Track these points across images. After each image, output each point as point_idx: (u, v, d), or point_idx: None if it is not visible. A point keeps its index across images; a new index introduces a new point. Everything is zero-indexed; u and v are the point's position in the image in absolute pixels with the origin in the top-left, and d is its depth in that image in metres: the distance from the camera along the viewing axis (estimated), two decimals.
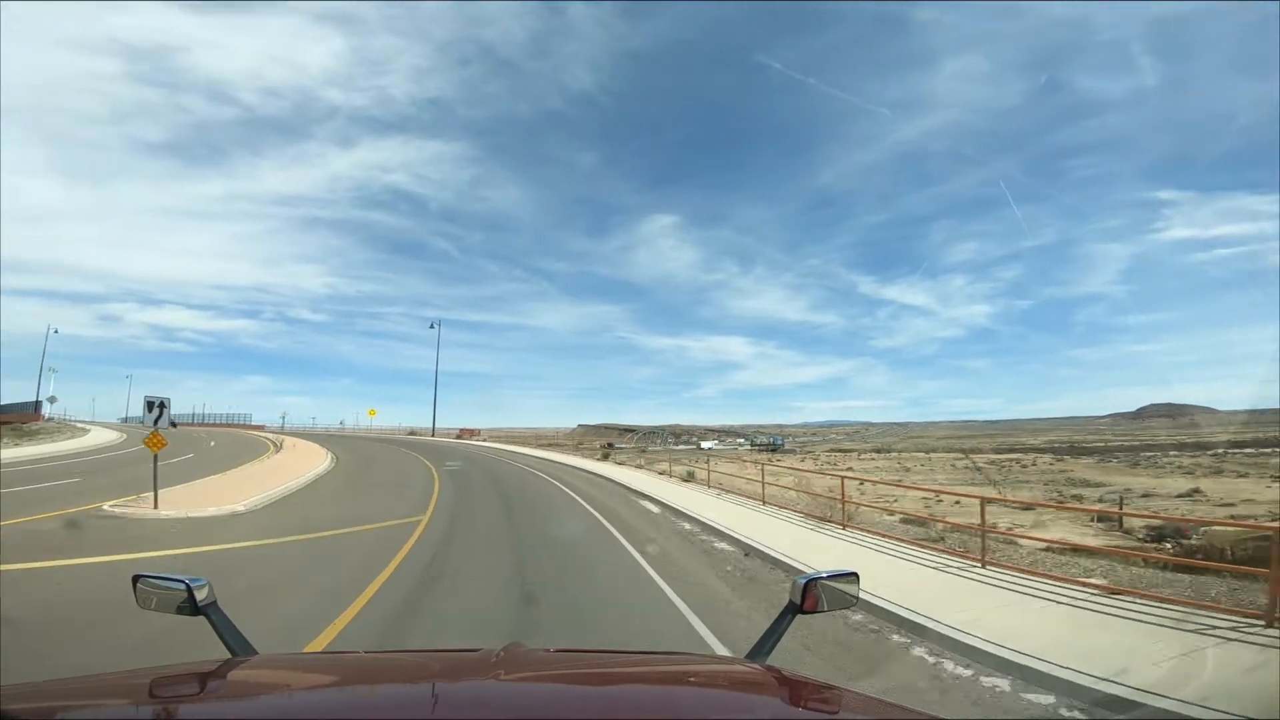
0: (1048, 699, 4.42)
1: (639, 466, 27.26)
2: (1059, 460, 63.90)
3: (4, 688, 1.07)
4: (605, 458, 35.15)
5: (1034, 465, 59.04)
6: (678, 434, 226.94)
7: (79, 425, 51.91)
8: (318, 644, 5.11)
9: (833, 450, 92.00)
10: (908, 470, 55.13)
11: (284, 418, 66.76)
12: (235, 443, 34.99)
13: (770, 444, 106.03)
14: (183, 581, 1.64)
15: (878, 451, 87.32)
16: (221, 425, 72.16)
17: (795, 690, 1.39)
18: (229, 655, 1.58)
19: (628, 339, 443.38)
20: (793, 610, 1.74)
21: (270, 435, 47.42)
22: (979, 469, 53.43)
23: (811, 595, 1.73)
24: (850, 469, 49.39)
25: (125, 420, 75.82)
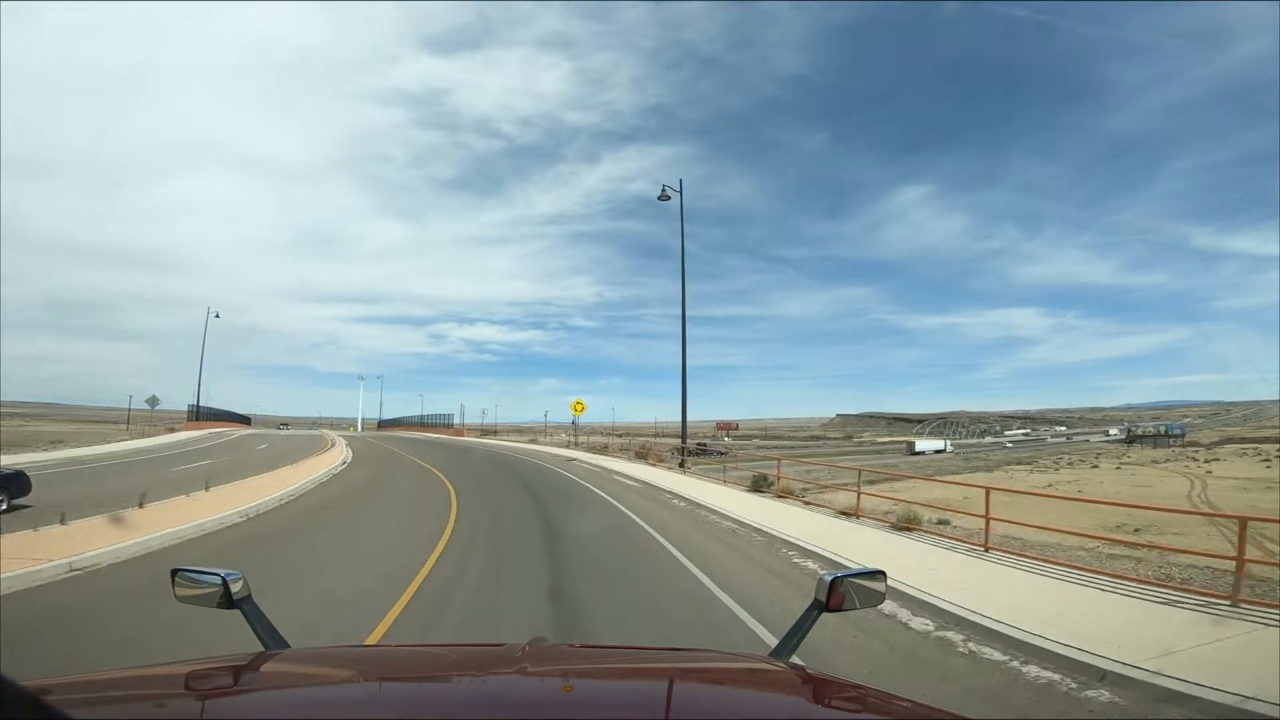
0: None
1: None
2: None
3: (41, 683, 1.07)
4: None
5: None
6: (977, 423, 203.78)
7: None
8: None
9: (1241, 443, 68.94)
10: None
11: (483, 415, 64.41)
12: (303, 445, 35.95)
13: (1164, 433, 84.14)
14: (219, 574, 1.66)
15: None
16: (418, 427, 76.73)
17: (819, 688, 1.39)
18: (262, 648, 1.60)
19: (885, 320, 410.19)
20: (819, 608, 1.72)
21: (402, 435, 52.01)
22: None
23: (838, 593, 1.71)
24: None
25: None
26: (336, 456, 25.58)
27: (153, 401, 40.84)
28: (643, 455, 27.81)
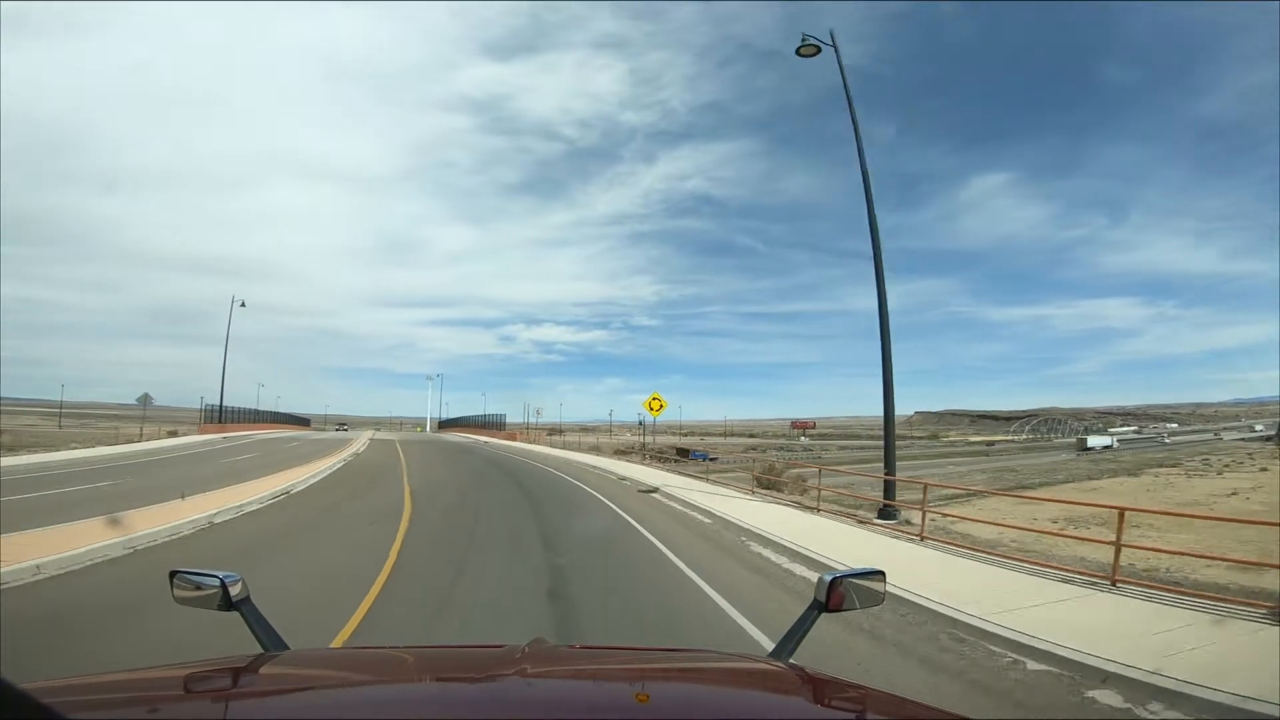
0: None
1: None
2: None
3: (41, 685, 1.06)
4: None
5: None
6: (1071, 420, 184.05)
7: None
8: None
9: None
10: None
11: (538, 414, 55.39)
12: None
13: None
14: (217, 577, 1.63)
15: None
16: (469, 428, 74.42)
17: (819, 689, 1.38)
18: (261, 650, 1.58)
19: (963, 313, 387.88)
20: (818, 608, 1.69)
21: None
22: None
23: (837, 593, 1.68)
24: None
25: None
26: (310, 470, 17.99)
27: (144, 400, 34.57)
28: (772, 485, 17.65)
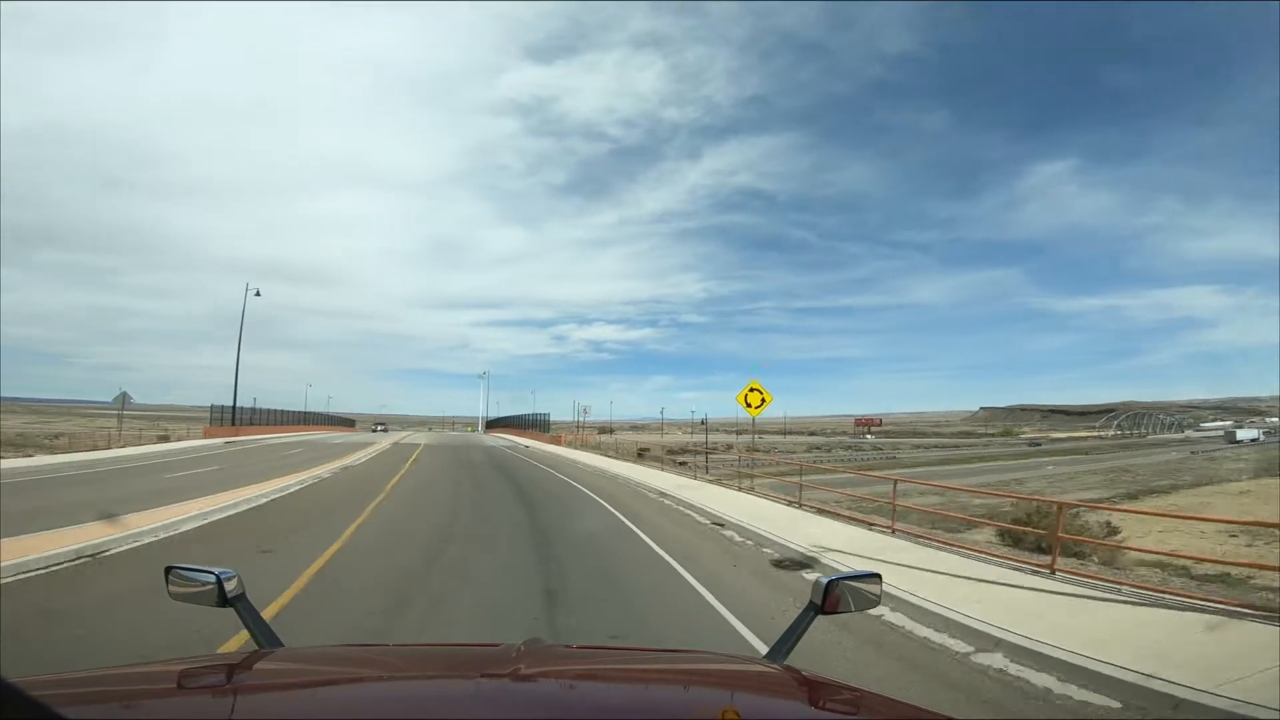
0: None
1: None
2: None
3: (33, 680, 1.06)
4: None
5: None
6: (1153, 413, 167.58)
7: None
8: None
9: None
10: None
11: (585, 412, 52.53)
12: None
13: None
14: (213, 573, 1.61)
15: None
16: (513, 428, 70.72)
17: (814, 690, 1.37)
18: (255, 647, 1.57)
19: (1028, 304, 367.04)
20: (814, 610, 1.66)
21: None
22: None
23: (833, 595, 1.66)
24: None
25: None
26: (236, 496, 11.65)
27: (121, 400, 29.37)
28: (1039, 541, 9.93)
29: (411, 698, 1.24)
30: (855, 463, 73.81)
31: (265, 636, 1.62)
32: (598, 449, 37.99)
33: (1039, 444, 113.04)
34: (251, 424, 48.81)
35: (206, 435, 39.03)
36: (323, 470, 18.89)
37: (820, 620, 1.69)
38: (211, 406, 42.72)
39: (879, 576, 1.77)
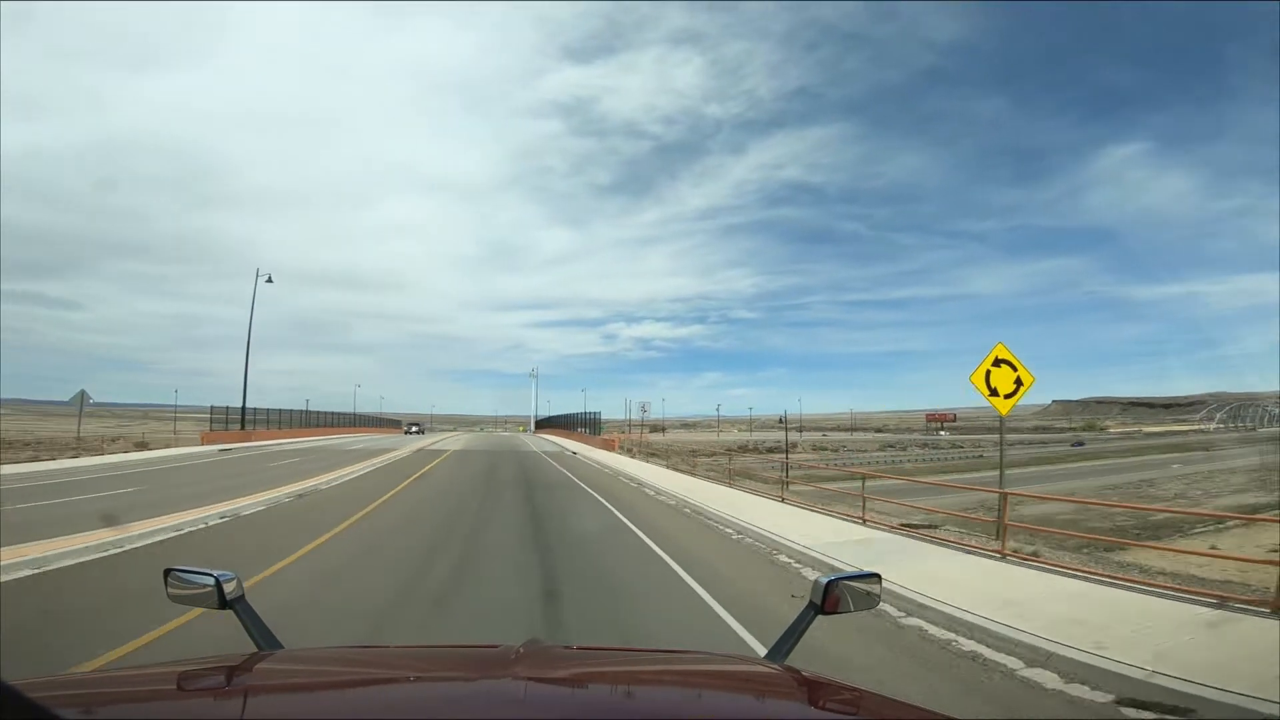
0: None
1: None
2: None
3: (33, 681, 1.05)
4: None
5: None
6: (1249, 405, 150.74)
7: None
8: None
9: None
10: None
11: (645, 410, 44.96)
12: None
13: None
14: (212, 575, 1.58)
15: None
16: (559, 429, 66.46)
17: (814, 690, 1.36)
18: (255, 649, 1.53)
19: (1099, 292, 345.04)
20: (814, 610, 1.64)
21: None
22: None
23: (833, 595, 1.64)
24: None
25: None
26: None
27: (79, 400, 23.74)
28: None
29: (411, 699, 1.23)
30: (950, 463, 64.74)
31: (264, 638, 1.58)
32: (661, 457, 30.67)
33: (1132, 437, 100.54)
34: (272, 426, 43.55)
35: (204, 441, 33.52)
36: (256, 500, 12.24)
37: None
38: (212, 408, 37.15)
39: (878, 576, 1.76)
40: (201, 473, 18.76)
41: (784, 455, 36.99)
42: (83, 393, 24.10)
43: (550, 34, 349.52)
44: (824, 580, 1.65)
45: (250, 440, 36.28)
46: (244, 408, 38.47)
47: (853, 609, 1.69)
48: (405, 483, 16.13)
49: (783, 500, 13.39)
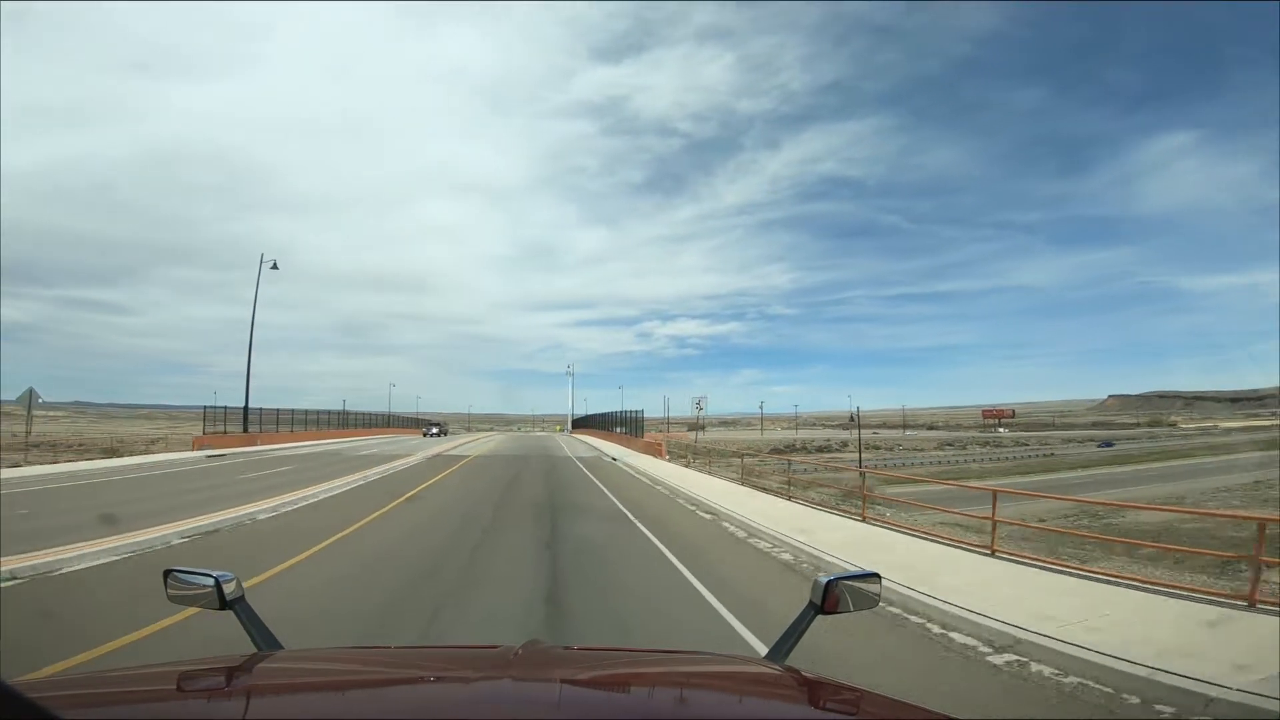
0: None
1: None
2: None
3: (33, 681, 0.97)
4: None
5: None
6: None
7: None
8: None
9: None
10: None
11: (700, 407, 34.65)
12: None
13: None
14: (211, 576, 1.58)
15: None
16: (595, 429, 61.65)
17: (815, 690, 1.35)
18: (255, 649, 1.53)
19: (1153, 283, 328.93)
20: (814, 610, 1.63)
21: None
22: None
23: (833, 595, 1.63)
24: None
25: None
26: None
27: (27, 398, 20.16)
28: None
29: (410, 699, 1.23)
30: (1023, 462, 58.39)
31: (264, 639, 1.58)
32: (723, 464, 25.69)
33: (1210, 432, 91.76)
34: (283, 427, 39.82)
35: (196, 446, 29.76)
36: (114, 545, 7.84)
37: None
38: (205, 409, 33.40)
39: (878, 576, 1.74)
40: (134, 489, 14.52)
41: (857, 457, 31.63)
42: (31, 390, 20.37)
43: (578, 34, 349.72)
44: (824, 580, 1.64)
45: (252, 444, 32.51)
46: (245, 408, 34.75)
47: (852, 609, 1.67)
48: (381, 510, 11.47)
49: (992, 553, 7.79)
